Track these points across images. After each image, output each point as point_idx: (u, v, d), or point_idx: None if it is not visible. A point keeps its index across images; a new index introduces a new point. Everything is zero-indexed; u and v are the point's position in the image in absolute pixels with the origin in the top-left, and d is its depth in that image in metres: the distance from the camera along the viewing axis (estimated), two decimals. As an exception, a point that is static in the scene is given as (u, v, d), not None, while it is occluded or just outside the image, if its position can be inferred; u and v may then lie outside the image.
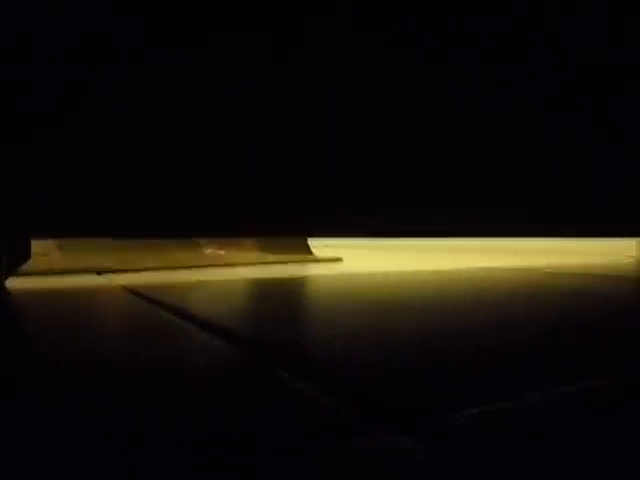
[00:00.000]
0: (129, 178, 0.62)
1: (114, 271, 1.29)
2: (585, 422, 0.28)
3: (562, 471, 0.22)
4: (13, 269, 0.91)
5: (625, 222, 0.87)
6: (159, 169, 0.62)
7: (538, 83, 0.71)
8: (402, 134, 0.67)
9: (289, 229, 0.69)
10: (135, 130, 0.62)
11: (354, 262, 1.76)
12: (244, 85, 0.62)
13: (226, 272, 1.30)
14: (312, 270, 1.42)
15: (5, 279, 0.89)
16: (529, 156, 0.76)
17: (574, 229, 0.81)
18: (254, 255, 1.83)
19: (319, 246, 2.07)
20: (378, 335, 0.49)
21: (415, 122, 0.68)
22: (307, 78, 0.65)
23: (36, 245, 1.22)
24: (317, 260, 1.81)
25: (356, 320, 0.57)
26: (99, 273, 1.25)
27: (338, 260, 1.81)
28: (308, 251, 1.94)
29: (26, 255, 0.91)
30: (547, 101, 0.74)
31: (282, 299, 0.78)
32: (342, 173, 0.68)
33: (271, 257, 1.78)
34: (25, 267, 0.96)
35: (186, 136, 0.63)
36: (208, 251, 1.73)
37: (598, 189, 0.81)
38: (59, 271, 1.24)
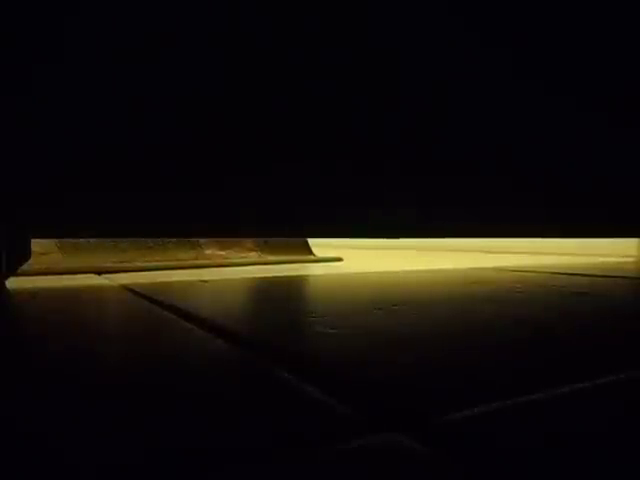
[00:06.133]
0: (129, 177, 0.62)
1: (114, 271, 1.29)
2: (584, 422, 0.28)
3: (562, 472, 0.22)
4: (13, 269, 0.90)
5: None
6: (159, 169, 0.62)
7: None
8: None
9: (289, 229, 0.69)
10: (132, 128, 0.62)
11: (354, 262, 1.76)
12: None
13: (226, 272, 1.30)
14: (312, 270, 1.42)
15: (5, 279, 0.89)
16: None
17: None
18: (254, 255, 1.83)
19: (319, 246, 2.07)
20: (378, 334, 0.49)
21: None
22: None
23: (36, 245, 1.22)
24: (317, 260, 1.81)
25: (356, 319, 0.57)
26: (99, 273, 1.25)
27: (338, 260, 1.81)
28: (308, 251, 1.94)
29: (26, 255, 0.91)
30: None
31: (282, 299, 0.78)
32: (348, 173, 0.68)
33: (271, 257, 1.78)
34: (25, 267, 0.96)
35: (183, 134, 0.63)
36: (208, 251, 1.73)
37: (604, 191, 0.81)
38: (59, 271, 1.24)
